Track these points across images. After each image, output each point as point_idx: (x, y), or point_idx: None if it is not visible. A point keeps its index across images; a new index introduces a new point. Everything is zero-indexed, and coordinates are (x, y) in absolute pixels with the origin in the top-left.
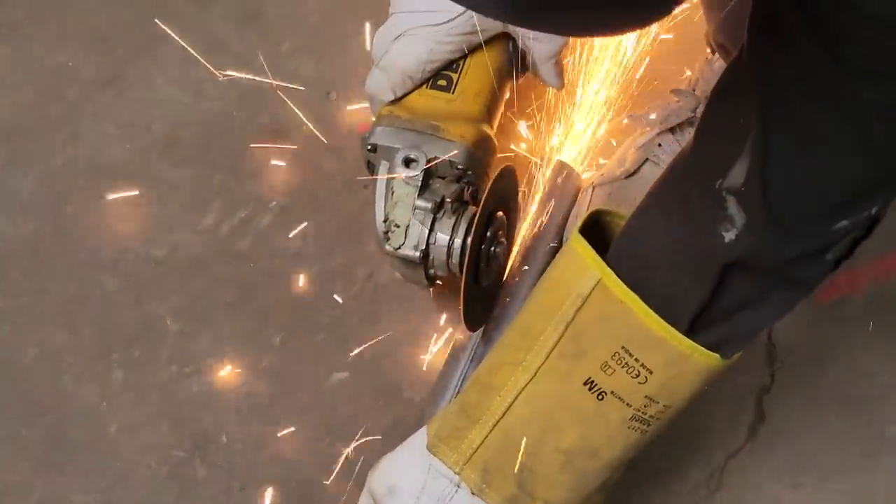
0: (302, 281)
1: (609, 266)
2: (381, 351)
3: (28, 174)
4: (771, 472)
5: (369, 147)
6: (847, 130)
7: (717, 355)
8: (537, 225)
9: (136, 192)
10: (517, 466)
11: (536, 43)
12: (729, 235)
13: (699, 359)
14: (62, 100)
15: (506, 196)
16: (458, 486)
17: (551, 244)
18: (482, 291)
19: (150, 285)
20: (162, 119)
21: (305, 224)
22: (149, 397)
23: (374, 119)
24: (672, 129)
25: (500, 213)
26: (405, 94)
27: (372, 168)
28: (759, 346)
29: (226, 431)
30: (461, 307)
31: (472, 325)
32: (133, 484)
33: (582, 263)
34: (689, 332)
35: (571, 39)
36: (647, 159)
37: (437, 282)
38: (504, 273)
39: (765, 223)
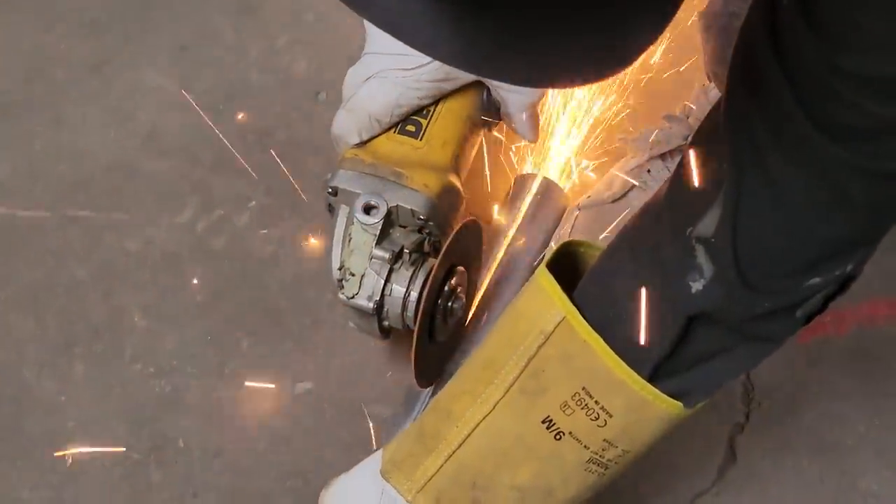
0: (275, 285)
1: (575, 304)
2: (349, 364)
3: (7, 155)
4: None
5: (330, 190)
6: (820, 189)
7: (679, 404)
8: (519, 243)
9: (114, 182)
10: (470, 499)
11: (511, 93)
12: (696, 286)
13: (661, 406)
14: (48, 82)
15: (468, 250)
16: None
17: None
18: (437, 347)
19: (120, 278)
20: (147, 108)
21: (284, 226)
22: (109, 395)
23: (338, 161)
24: (662, 156)
25: (461, 268)
26: (372, 138)
27: (332, 211)
28: (735, 384)
29: (184, 436)
30: (412, 363)
31: (423, 381)
32: (85, 483)
33: (547, 299)
34: (652, 378)
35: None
36: (634, 185)
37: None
38: (462, 329)
39: (733, 277)
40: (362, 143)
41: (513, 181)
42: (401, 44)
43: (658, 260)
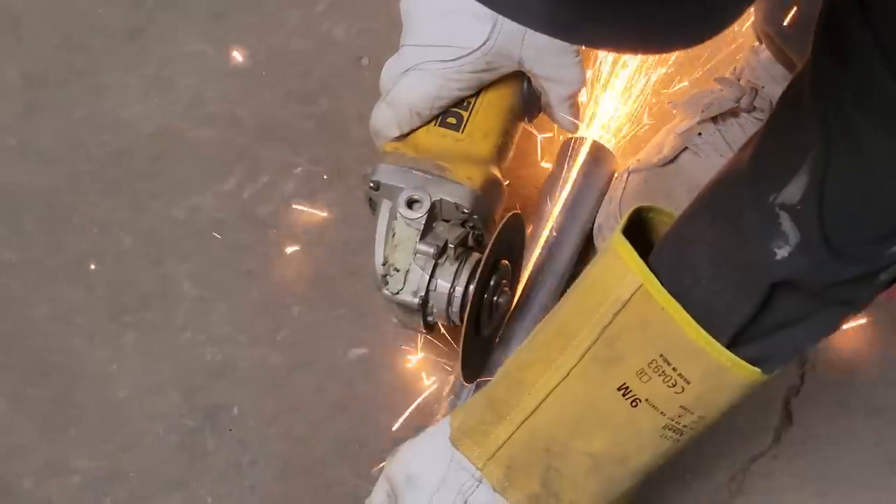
0: (324, 252)
1: (652, 270)
2: (402, 330)
3: (48, 124)
4: (794, 479)
5: (371, 185)
6: None
7: (758, 370)
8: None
9: (158, 150)
10: (542, 466)
11: (552, 84)
12: (781, 252)
13: (738, 372)
14: (86, 50)
15: (512, 244)
16: (480, 482)
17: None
18: (482, 342)
19: (167, 247)
20: (187, 75)
21: (330, 193)
22: (161, 363)
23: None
24: (714, 119)
25: (505, 262)
26: (412, 131)
27: (374, 206)
28: None
29: (238, 403)
30: (460, 358)
31: (469, 376)
32: (140, 452)
33: (623, 266)
34: (731, 345)
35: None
36: (685, 148)
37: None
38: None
39: (820, 244)
40: (402, 137)
41: (561, 144)
42: (440, 35)
43: (740, 227)
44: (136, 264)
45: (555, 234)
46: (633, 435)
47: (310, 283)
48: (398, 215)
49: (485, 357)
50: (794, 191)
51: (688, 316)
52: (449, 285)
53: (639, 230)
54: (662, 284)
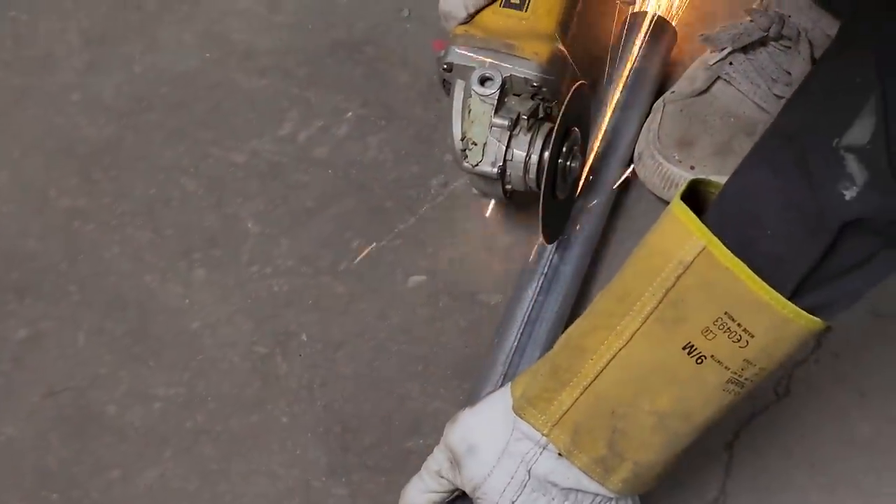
0: (378, 188)
1: (712, 230)
2: (457, 256)
3: (109, 80)
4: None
5: (445, 66)
6: None
7: (819, 320)
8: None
9: (215, 100)
10: (609, 428)
11: None
12: (850, 193)
13: (801, 323)
14: (140, 9)
15: (580, 113)
16: (544, 449)
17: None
18: (559, 205)
19: (230, 189)
20: (239, 31)
21: (382, 134)
22: (230, 295)
23: (449, 39)
24: (744, 49)
25: (575, 129)
26: (477, 12)
27: (447, 87)
28: None
29: (306, 330)
30: (540, 221)
31: (549, 237)
32: (216, 378)
33: (685, 230)
34: (794, 295)
35: None
36: (718, 77)
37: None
38: (579, 186)
39: (889, 180)
40: (470, 20)
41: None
42: None
43: (804, 171)
44: (200, 206)
45: (618, 112)
46: (697, 390)
47: (367, 217)
48: (472, 93)
49: (561, 220)
50: (858, 133)
51: (752, 273)
52: (524, 154)
53: (693, 201)
54: (725, 242)
